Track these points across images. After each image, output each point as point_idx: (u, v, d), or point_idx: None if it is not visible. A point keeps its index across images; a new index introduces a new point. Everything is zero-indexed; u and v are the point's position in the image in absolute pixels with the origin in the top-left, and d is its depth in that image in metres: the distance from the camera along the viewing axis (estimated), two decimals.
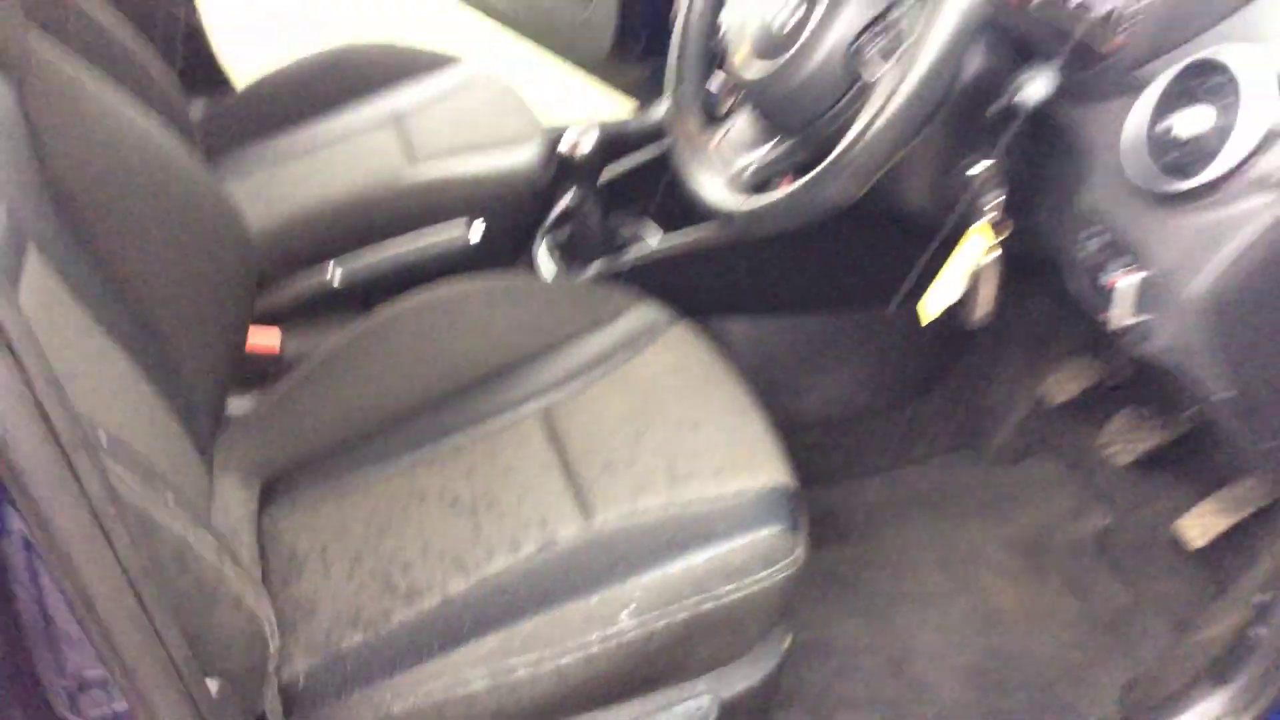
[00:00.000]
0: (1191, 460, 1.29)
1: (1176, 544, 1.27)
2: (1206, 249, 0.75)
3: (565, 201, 1.41)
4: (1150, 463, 1.33)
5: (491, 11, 2.42)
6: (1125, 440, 1.32)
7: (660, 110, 1.63)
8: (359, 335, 1.16)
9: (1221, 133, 0.73)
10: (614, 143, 1.40)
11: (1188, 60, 0.77)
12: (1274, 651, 0.96)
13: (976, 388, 1.50)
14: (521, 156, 1.46)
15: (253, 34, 2.22)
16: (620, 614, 0.85)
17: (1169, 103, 0.77)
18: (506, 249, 1.42)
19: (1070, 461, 1.45)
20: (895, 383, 1.46)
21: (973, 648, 1.26)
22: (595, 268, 1.34)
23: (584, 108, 1.97)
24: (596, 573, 0.88)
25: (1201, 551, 1.24)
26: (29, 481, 0.48)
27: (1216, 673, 1.01)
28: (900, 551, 1.37)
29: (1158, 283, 0.79)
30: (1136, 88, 0.80)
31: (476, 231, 1.36)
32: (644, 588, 0.86)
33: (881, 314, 1.48)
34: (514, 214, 1.43)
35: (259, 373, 1.28)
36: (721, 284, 1.33)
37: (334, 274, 1.32)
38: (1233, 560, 1.21)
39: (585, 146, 1.30)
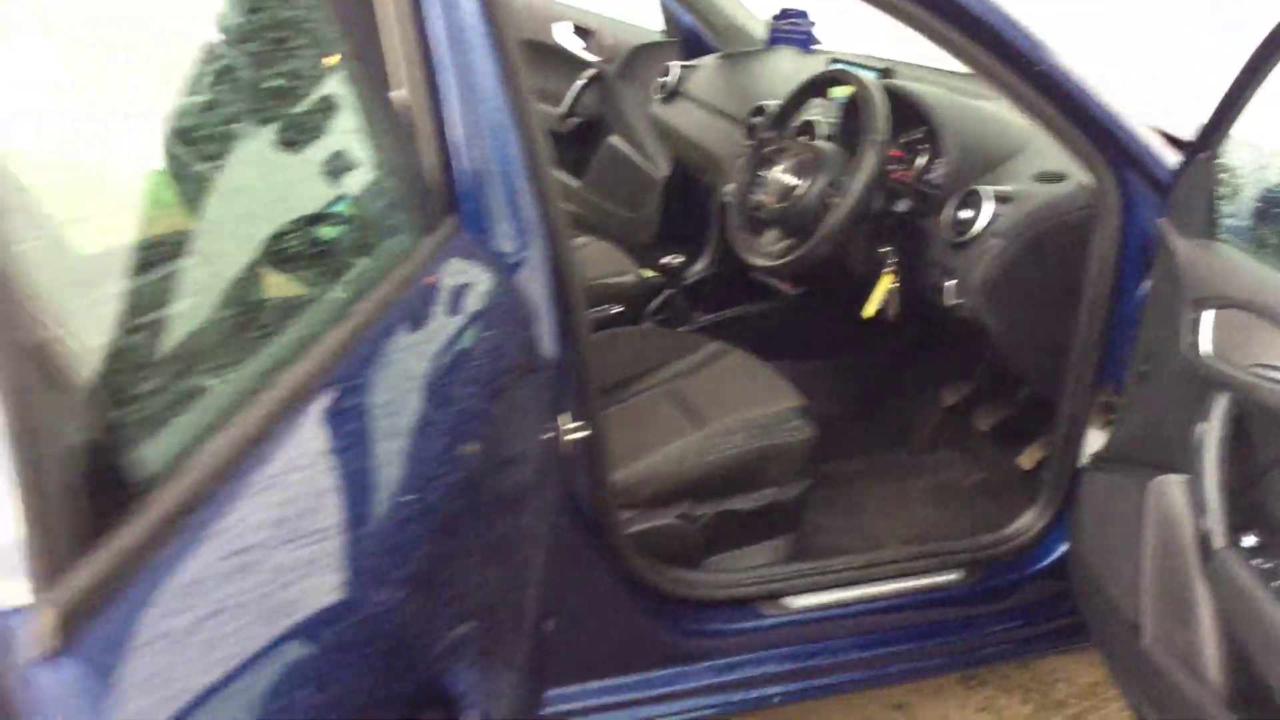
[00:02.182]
0: (1023, 425, 2.30)
1: (1020, 471, 2.25)
2: (977, 263, 1.80)
3: (660, 298, 2.48)
4: (1002, 431, 2.34)
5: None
6: (984, 416, 2.34)
7: (701, 263, 2.73)
8: None
9: (977, 217, 1.80)
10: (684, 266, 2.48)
11: (963, 192, 1.85)
12: (1054, 480, 1.93)
13: (902, 407, 2.51)
14: (629, 279, 2.52)
15: None
16: (736, 438, 1.82)
17: (959, 206, 1.85)
18: (630, 322, 2.46)
19: (960, 447, 2.45)
20: (855, 400, 2.48)
21: (904, 531, 2.19)
22: (684, 329, 2.38)
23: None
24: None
25: (1031, 471, 2.22)
26: None
27: (1029, 501, 1.98)
28: (867, 491, 2.33)
29: (961, 282, 1.83)
30: (943, 205, 1.88)
31: (615, 309, 2.41)
32: (746, 429, 1.84)
33: (846, 361, 2.53)
34: (629, 305, 2.48)
35: None
36: (751, 337, 2.36)
37: None
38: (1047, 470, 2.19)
39: (675, 261, 2.38)
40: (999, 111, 2.02)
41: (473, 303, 1.22)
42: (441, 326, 1.11)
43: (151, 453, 0.66)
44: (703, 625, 1.81)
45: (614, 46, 3.18)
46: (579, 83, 3.25)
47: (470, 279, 1.26)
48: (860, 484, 2.37)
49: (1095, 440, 1.88)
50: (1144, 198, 1.71)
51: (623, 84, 3.18)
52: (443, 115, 1.33)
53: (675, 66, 2.88)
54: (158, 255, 0.75)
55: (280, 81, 0.97)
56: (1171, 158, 1.70)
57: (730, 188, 2.40)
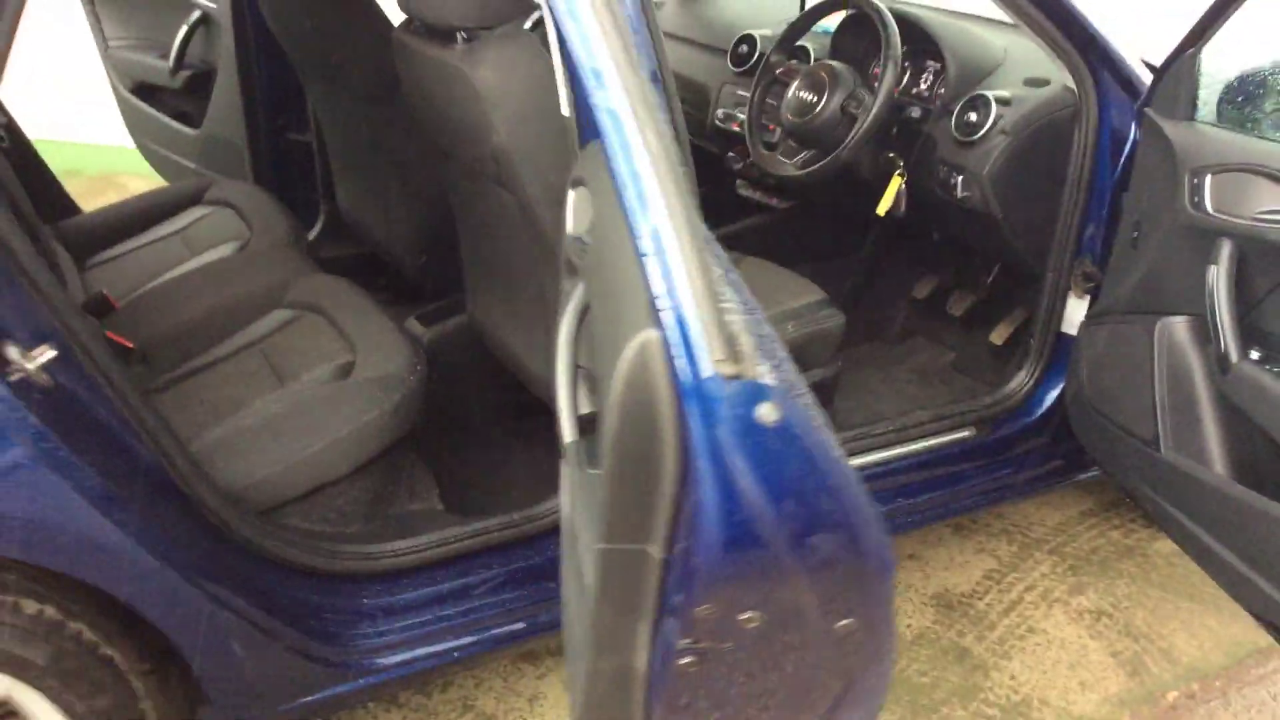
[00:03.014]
0: (991, 309, 2.65)
1: (991, 347, 2.60)
2: (984, 160, 2.10)
3: None
4: (971, 318, 2.68)
5: None
6: (957, 303, 2.68)
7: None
8: None
9: (983, 118, 2.10)
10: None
11: (969, 97, 2.15)
12: (1040, 343, 2.28)
13: (879, 303, 2.83)
14: None
15: None
16: (789, 326, 2.06)
17: (965, 110, 2.14)
18: None
19: (931, 337, 2.79)
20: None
21: (893, 403, 2.49)
22: None
23: None
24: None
25: (1002, 347, 2.58)
26: None
27: (1016, 366, 2.33)
28: (861, 378, 2.63)
29: (968, 177, 2.13)
30: (952, 109, 2.18)
31: None
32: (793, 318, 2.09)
33: (838, 264, 2.81)
34: None
35: None
36: (760, 245, 2.61)
37: None
38: (1017, 346, 2.55)
39: None
40: (975, 27, 2.32)
41: None
42: None
43: None
44: None
45: None
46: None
47: None
48: (848, 373, 2.67)
49: (1073, 307, 2.23)
50: (1116, 97, 2.05)
51: None
52: None
53: None
54: None
55: None
56: (1138, 68, 2.05)
57: (720, 113, 2.62)
